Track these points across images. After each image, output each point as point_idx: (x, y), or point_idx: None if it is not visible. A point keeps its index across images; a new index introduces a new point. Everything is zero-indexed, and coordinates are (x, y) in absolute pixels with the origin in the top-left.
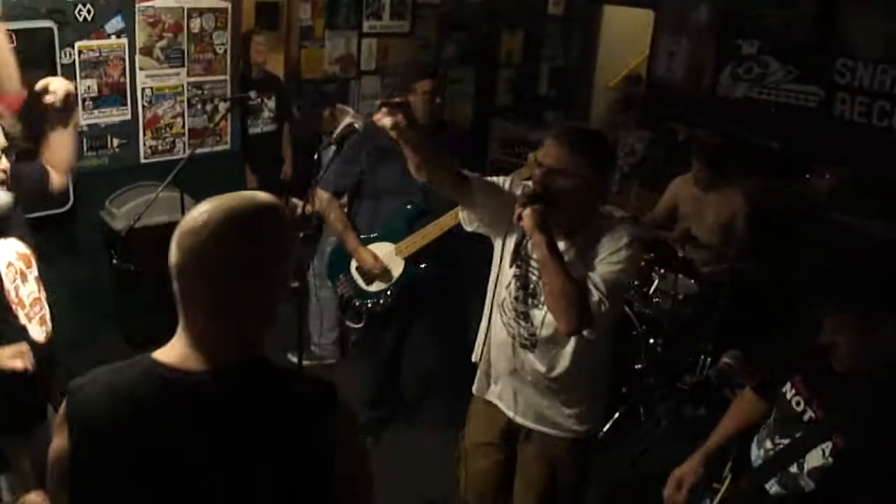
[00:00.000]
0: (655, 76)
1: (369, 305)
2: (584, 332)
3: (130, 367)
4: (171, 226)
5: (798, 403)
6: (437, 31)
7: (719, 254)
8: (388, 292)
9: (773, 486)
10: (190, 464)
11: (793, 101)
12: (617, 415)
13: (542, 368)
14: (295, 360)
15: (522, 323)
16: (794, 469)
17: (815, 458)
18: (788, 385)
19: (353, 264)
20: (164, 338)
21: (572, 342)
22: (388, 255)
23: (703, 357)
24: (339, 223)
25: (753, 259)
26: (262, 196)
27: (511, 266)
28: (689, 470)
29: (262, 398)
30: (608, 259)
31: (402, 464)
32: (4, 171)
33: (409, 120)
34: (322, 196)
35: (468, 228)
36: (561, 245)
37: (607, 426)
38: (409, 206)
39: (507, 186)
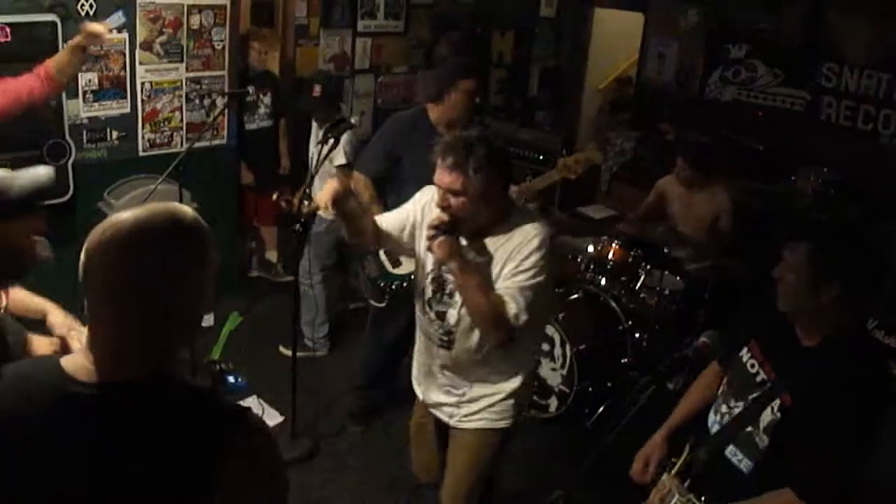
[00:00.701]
0: (645, 78)
1: (393, 287)
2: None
3: (39, 368)
4: None
5: (753, 366)
6: (431, 31)
7: (705, 251)
8: (412, 276)
9: (734, 454)
10: (70, 481)
11: (780, 105)
12: (602, 408)
13: (457, 365)
14: (288, 353)
15: (440, 322)
16: (749, 428)
17: (767, 416)
18: (745, 349)
19: None
20: None
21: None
22: None
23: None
24: (372, 204)
25: (738, 257)
26: (180, 210)
27: (433, 286)
28: (652, 447)
29: (154, 419)
30: (521, 266)
31: (398, 449)
32: None
33: (346, 193)
34: (358, 177)
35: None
36: (474, 249)
37: (593, 418)
38: None
39: (414, 207)
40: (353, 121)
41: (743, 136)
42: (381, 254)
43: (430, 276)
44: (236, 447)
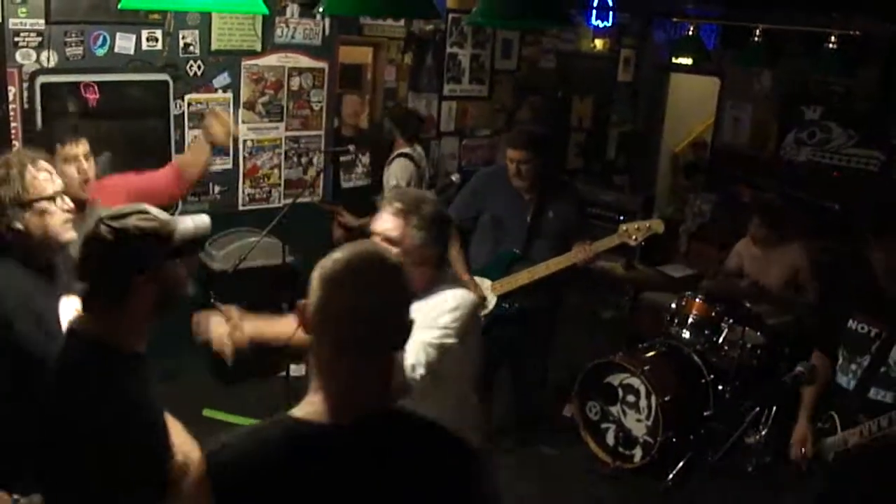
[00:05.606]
0: (720, 141)
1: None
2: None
3: (270, 427)
4: (268, 269)
5: (863, 328)
6: (513, 96)
7: (784, 306)
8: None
9: (877, 394)
10: None
11: (854, 165)
12: (684, 460)
13: None
14: None
15: None
16: (882, 369)
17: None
18: (852, 321)
19: None
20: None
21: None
22: (486, 289)
23: (768, 409)
24: (453, 249)
25: (817, 314)
26: (386, 249)
27: None
28: (802, 431)
29: (404, 450)
30: (430, 324)
31: None
32: (69, 211)
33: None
34: None
35: None
36: None
37: (675, 470)
38: (515, 251)
39: None
40: (453, 178)
41: (819, 195)
42: None
43: None
44: (477, 471)
